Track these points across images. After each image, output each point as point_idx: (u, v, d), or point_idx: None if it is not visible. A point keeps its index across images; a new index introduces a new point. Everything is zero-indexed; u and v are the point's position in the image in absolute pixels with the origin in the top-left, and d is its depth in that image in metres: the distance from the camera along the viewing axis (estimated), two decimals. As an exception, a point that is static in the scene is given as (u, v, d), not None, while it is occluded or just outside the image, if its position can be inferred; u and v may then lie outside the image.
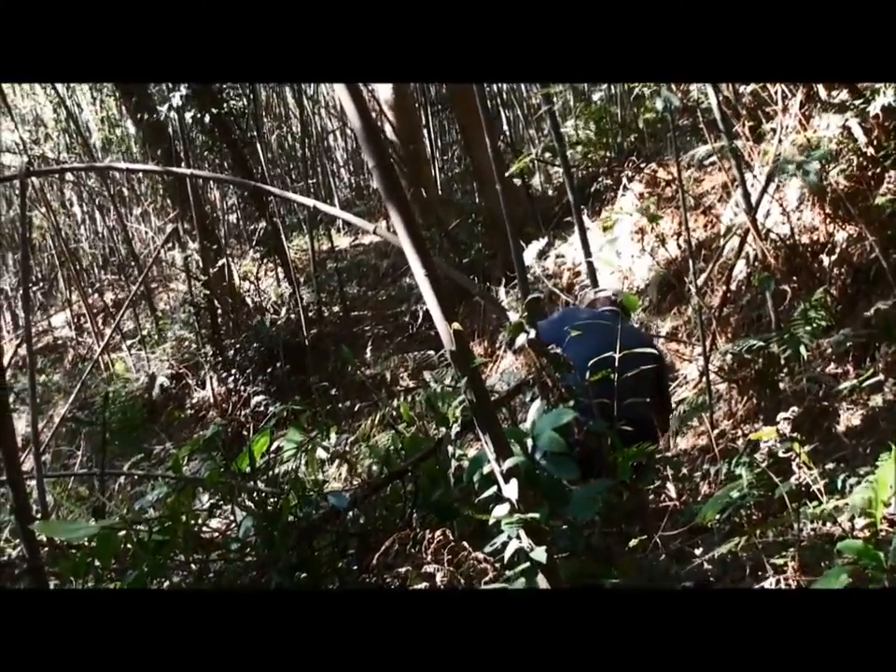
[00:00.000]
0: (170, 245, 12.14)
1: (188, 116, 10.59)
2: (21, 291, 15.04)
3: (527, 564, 2.59)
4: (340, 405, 8.05)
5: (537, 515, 2.57)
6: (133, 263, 14.93)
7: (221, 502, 4.66)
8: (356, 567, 3.91)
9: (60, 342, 15.05)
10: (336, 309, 11.47)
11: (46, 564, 4.10)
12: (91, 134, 15.67)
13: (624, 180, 8.78)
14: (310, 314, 10.59)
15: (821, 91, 5.55)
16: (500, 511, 2.65)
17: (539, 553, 2.55)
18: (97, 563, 4.01)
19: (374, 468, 5.36)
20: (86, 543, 4.42)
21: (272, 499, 4.54)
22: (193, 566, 4.22)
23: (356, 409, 7.87)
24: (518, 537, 2.61)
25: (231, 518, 4.79)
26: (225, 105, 11.04)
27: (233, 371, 10.17)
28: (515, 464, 2.63)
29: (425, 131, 13.29)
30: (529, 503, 2.62)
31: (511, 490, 2.60)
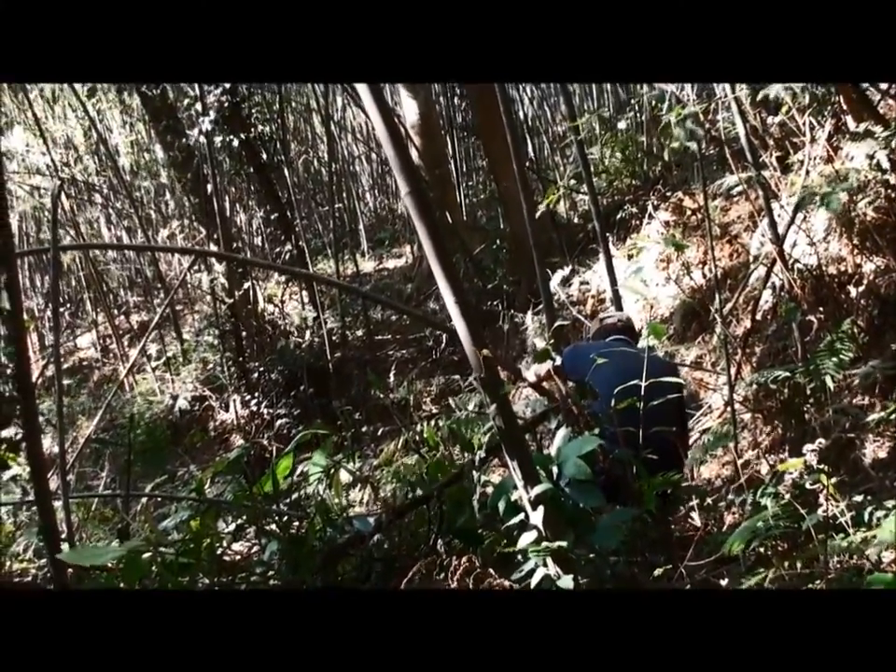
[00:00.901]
0: (196, 267, 12.21)
1: (216, 140, 10.70)
2: (48, 312, 15.19)
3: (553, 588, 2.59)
4: (363, 429, 8.06)
5: (564, 543, 2.57)
6: (159, 285, 15.05)
7: (246, 525, 4.68)
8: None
9: (85, 363, 15.15)
10: (360, 333, 11.50)
11: (71, 584, 4.13)
12: (121, 158, 15.83)
13: (650, 208, 8.78)
14: (334, 337, 10.62)
15: (850, 122, 5.55)
16: (528, 538, 2.65)
17: (567, 582, 2.56)
18: (122, 584, 4.03)
19: (398, 492, 5.37)
20: (111, 565, 4.45)
21: (296, 523, 4.56)
22: (218, 588, 4.23)
23: (379, 433, 7.89)
24: (545, 564, 2.61)
25: (255, 541, 4.81)
26: (253, 129, 11.15)
27: (257, 394, 10.22)
28: (543, 491, 2.63)
29: (450, 156, 13.34)
30: (556, 530, 2.62)
31: (537, 517, 2.61)
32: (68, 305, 16.57)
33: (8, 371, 10.04)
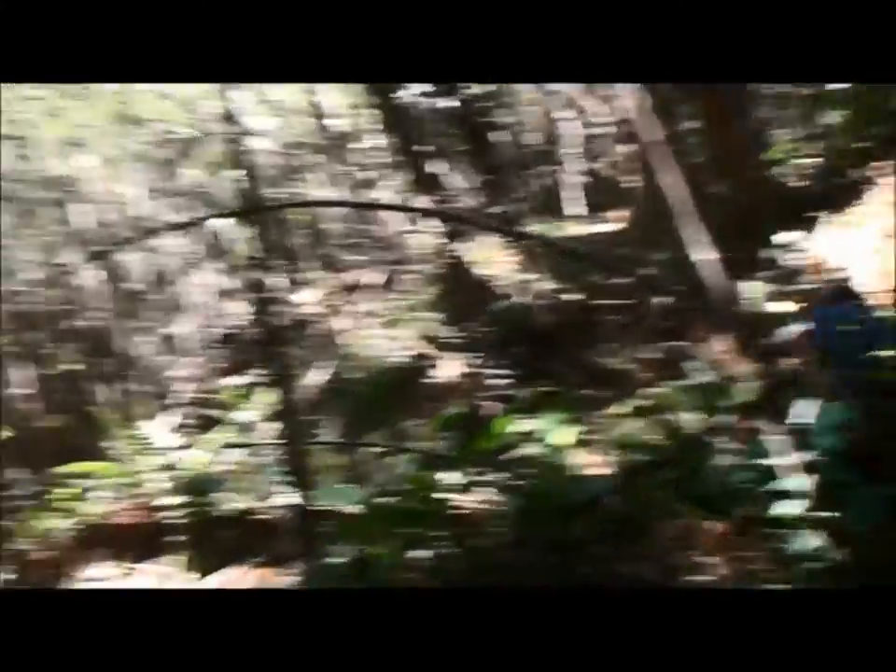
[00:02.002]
0: (414, 227, 12.43)
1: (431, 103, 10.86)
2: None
3: (818, 564, 2.55)
4: (584, 392, 8.06)
5: (836, 514, 2.53)
6: (379, 244, 15.39)
7: (476, 480, 4.79)
8: (614, 555, 3.92)
9: (308, 317, 15.65)
10: (576, 297, 11.44)
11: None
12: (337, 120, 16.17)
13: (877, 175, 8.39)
14: (550, 300, 10.63)
15: None
16: (789, 506, 2.61)
17: (834, 555, 2.51)
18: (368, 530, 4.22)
19: (627, 455, 5.34)
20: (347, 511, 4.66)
21: (526, 480, 4.63)
22: (448, 539, 4.36)
23: (599, 397, 7.87)
24: (811, 536, 2.57)
25: (485, 496, 4.91)
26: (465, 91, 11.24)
27: (474, 354, 10.33)
28: (807, 459, 2.60)
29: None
30: (820, 500, 2.58)
31: (803, 485, 2.57)
32: (292, 261, 17.14)
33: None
